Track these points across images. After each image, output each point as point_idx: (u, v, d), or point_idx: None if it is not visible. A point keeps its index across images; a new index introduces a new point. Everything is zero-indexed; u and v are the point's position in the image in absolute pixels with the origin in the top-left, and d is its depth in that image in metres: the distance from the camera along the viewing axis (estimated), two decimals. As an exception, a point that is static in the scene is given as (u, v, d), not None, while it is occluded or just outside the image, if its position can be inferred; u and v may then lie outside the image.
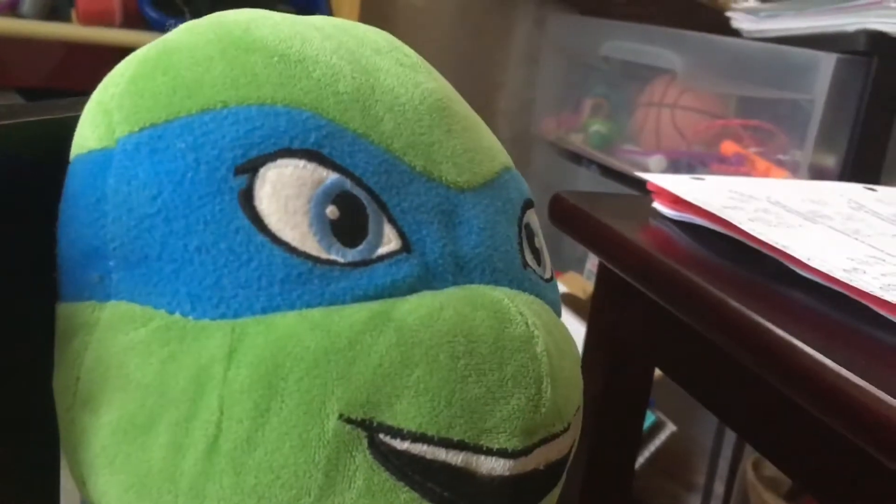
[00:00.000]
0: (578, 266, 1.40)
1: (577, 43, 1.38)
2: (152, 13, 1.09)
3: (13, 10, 1.08)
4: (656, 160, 1.18)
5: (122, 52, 0.31)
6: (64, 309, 0.28)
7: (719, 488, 1.14)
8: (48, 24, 1.08)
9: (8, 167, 0.29)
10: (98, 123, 0.28)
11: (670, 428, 1.14)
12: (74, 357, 0.28)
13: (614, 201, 0.69)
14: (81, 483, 0.28)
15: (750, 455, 1.09)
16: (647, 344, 0.64)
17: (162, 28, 0.31)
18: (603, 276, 0.70)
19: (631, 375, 0.69)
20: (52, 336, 0.29)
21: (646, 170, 1.17)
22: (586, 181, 1.31)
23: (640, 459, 1.13)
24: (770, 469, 1.09)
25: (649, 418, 1.14)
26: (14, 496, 0.32)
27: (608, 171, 1.25)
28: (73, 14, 1.08)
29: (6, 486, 0.31)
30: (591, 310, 0.70)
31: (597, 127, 1.30)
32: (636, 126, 1.26)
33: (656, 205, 0.60)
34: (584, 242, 0.62)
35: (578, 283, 1.30)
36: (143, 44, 0.31)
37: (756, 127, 1.12)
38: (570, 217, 0.63)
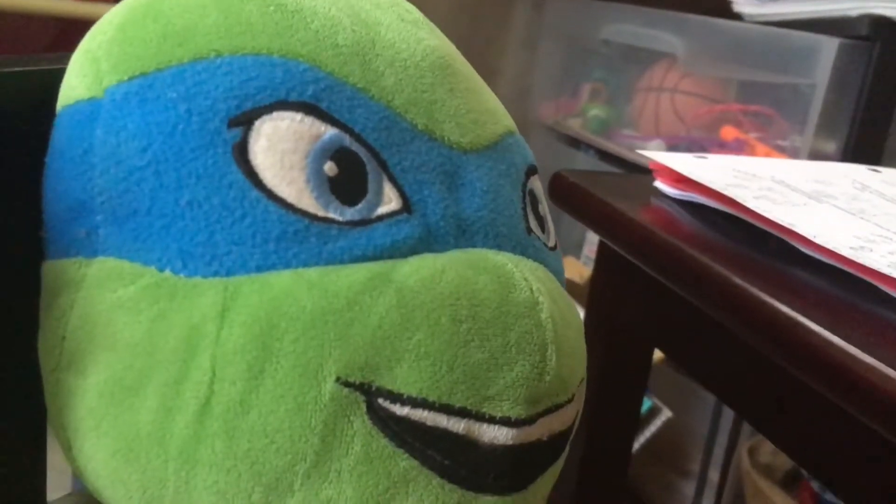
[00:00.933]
0: (575, 251, 1.39)
1: (577, 26, 1.37)
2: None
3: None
4: (655, 145, 1.17)
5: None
6: (49, 267, 0.27)
7: (714, 475, 1.14)
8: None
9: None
10: (86, 72, 0.27)
11: (665, 414, 1.13)
12: (60, 316, 0.26)
13: (615, 180, 0.68)
14: (67, 448, 0.27)
15: (745, 442, 1.09)
16: (647, 325, 0.64)
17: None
18: (602, 256, 0.69)
19: (629, 358, 0.69)
20: (38, 297, 0.28)
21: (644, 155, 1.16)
22: (584, 166, 1.30)
23: (635, 445, 1.13)
24: (765, 456, 1.08)
25: (645, 404, 1.14)
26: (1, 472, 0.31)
27: (606, 156, 1.24)
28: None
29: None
30: (589, 291, 0.70)
31: (595, 112, 1.29)
32: (635, 111, 1.25)
33: (658, 184, 0.59)
34: (584, 221, 0.61)
35: (576, 267, 1.30)
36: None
37: (756, 112, 1.11)
38: (570, 196, 0.62)
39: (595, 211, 0.59)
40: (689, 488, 1.18)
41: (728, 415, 1.10)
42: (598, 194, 0.59)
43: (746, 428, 1.10)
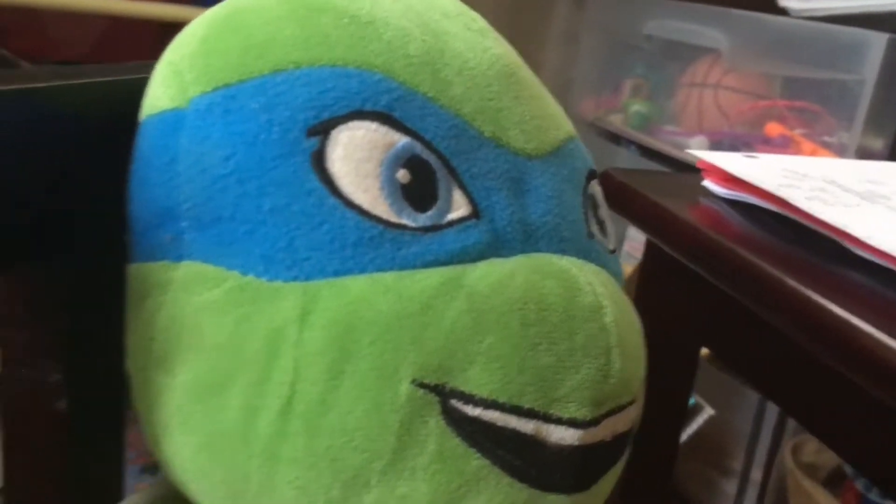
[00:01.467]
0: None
1: (619, 22, 1.36)
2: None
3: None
4: (698, 141, 1.17)
5: (165, 26, 0.31)
6: (136, 270, 0.28)
7: (757, 474, 1.13)
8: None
9: (74, 127, 0.29)
10: (170, 83, 0.28)
11: (708, 412, 1.13)
12: (148, 317, 0.28)
13: (663, 179, 0.68)
14: (154, 443, 0.28)
15: (789, 440, 1.08)
16: (694, 324, 0.64)
17: (205, 3, 0.31)
18: (649, 255, 0.69)
19: (676, 356, 0.68)
20: (120, 297, 0.29)
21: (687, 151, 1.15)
22: (626, 162, 1.30)
23: (677, 443, 1.12)
24: (809, 455, 1.07)
25: (687, 401, 1.13)
26: (85, 461, 0.32)
27: (648, 152, 1.23)
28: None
29: (78, 450, 0.32)
30: (636, 289, 0.69)
31: (637, 107, 1.28)
32: (677, 106, 1.24)
33: (706, 183, 0.59)
34: (632, 220, 0.61)
35: (616, 264, 1.29)
36: (187, 18, 0.30)
37: (802, 108, 1.10)
38: (618, 195, 0.62)
39: (644, 210, 0.59)
40: (731, 487, 1.17)
41: (771, 413, 1.09)
42: (646, 193, 0.59)
43: (790, 426, 1.09)
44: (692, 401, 1.15)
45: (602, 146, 1.32)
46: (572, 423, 0.27)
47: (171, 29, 0.30)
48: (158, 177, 0.27)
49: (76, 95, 0.29)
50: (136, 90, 0.29)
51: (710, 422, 1.13)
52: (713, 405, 1.15)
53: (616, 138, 1.31)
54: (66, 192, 0.29)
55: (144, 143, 0.28)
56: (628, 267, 1.25)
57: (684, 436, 1.13)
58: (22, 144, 0.27)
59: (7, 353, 0.31)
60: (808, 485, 1.01)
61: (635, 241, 1.30)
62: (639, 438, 0.71)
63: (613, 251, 0.34)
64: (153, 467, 0.32)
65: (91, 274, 0.30)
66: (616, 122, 1.32)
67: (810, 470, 1.05)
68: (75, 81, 0.29)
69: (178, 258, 0.27)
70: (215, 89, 0.27)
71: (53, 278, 0.30)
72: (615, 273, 0.33)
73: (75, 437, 0.31)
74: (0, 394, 0.32)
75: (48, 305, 0.31)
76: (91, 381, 0.32)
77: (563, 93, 1.43)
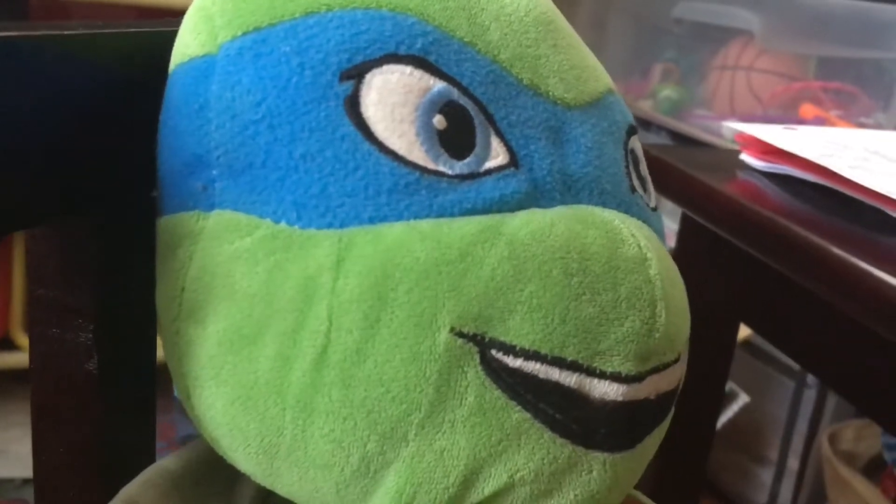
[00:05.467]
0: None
1: (648, 5, 1.34)
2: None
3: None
4: (730, 125, 1.15)
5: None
6: (166, 221, 0.28)
7: (793, 462, 1.11)
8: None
9: (104, 77, 0.28)
10: (200, 30, 0.27)
11: (743, 399, 1.11)
12: (179, 267, 0.27)
13: (699, 154, 0.67)
14: (186, 397, 0.27)
15: (826, 428, 1.06)
16: (732, 301, 0.62)
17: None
18: (685, 233, 0.68)
19: (713, 335, 0.67)
20: (151, 253, 0.29)
21: (718, 136, 1.14)
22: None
23: (710, 431, 1.11)
24: (847, 443, 1.05)
25: (721, 389, 1.11)
26: (116, 422, 0.32)
27: (678, 137, 1.22)
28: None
29: (109, 411, 0.31)
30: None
31: (667, 92, 1.27)
32: (709, 91, 1.22)
33: (744, 156, 0.58)
34: (670, 196, 0.60)
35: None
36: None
37: (837, 89, 1.08)
38: (654, 170, 0.61)
39: (681, 185, 0.58)
40: (766, 475, 1.15)
41: (808, 400, 1.07)
42: (683, 168, 0.58)
43: (827, 414, 1.07)
44: (727, 388, 1.13)
45: (632, 132, 1.31)
46: (616, 378, 0.25)
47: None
48: (189, 125, 0.27)
49: (104, 45, 0.28)
50: (168, 41, 0.29)
51: (745, 409, 1.12)
52: (748, 392, 1.13)
53: (646, 124, 1.29)
54: (97, 145, 0.29)
55: (175, 92, 0.28)
56: (659, 253, 1.23)
57: (719, 424, 1.12)
58: (48, 94, 0.26)
59: (36, 313, 0.31)
60: (847, 473, 0.99)
61: (667, 229, 1.29)
62: (674, 424, 0.70)
63: (655, 208, 0.33)
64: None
65: (122, 230, 0.30)
66: (646, 107, 1.31)
67: (848, 458, 1.03)
68: (103, 31, 0.28)
69: (210, 207, 0.27)
70: (246, 33, 0.26)
71: (83, 235, 0.30)
72: (657, 230, 0.32)
73: (106, 398, 0.31)
74: (30, 354, 0.31)
75: (77, 264, 0.30)
76: (122, 340, 0.31)
77: (591, 79, 1.41)
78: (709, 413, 0.72)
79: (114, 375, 0.31)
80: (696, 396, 0.69)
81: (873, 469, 1.03)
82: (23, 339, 1.03)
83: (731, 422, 1.11)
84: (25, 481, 1.02)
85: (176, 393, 0.27)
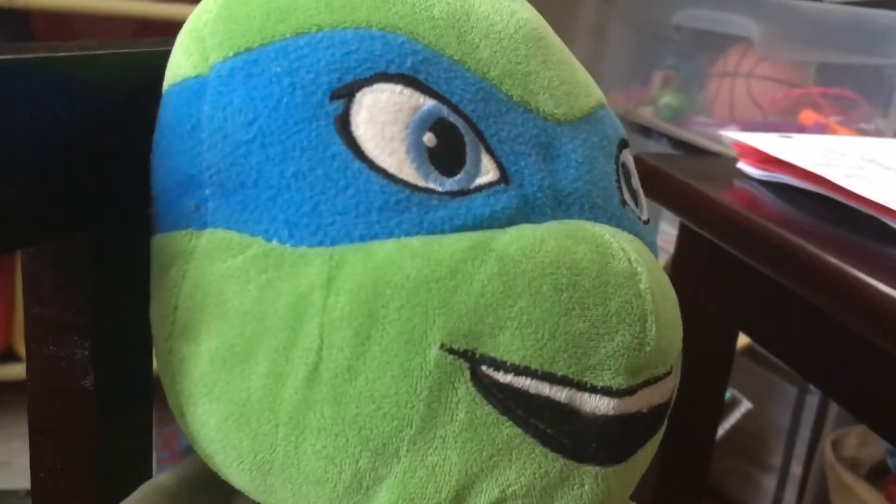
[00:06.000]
0: (648, 242, 1.37)
1: (648, 12, 1.35)
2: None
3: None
4: (726, 134, 1.15)
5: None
6: (160, 240, 0.28)
7: (796, 469, 1.11)
8: (121, 1, 1.09)
9: (98, 98, 0.29)
10: (192, 51, 0.28)
11: (745, 405, 1.11)
12: (172, 286, 0.27)
13: (696, 163, 0.67)
14: (180, 414, 0.27)
15: (829, 434, 1.06)
16: (731, 310, 0.62)
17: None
18: (683, 242, 0.68)
19: (712, 344, 0.67)
20: (146, 271, 0.29)
21: (719, 143, 1.14)
22: (656, 155, 1.28)
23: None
24: (850, 449, 1.05)
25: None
26: (112, 438, 0.32)
27: (679, 144, 1.22)
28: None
29: (105, 427, 0.31)
30: (670, 278, 0.68)
31: (667, 99, 1.27)
32: (709, 97, 1.22)
33: (741, 165, 0.58)
34: (666, 205, 0.60)
35: (648, 258, 1.27)
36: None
37: (837, 95, 1.07)
38: (651, 180, 0.61)
39: (678, 194, 0.58)
40: (769, 482, 1.15)
41: (811, 406, 1.07)
42: (680, 177, 0.58)
43: (830, 420, 1.07)
44: (729, 395, 1.13)
45: (632, 139, 1.30)
46: (607, 392, 0.26)
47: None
48: (181, 145, 0.27)
49: (99, 66, 0.29)
50: (161, 61, 0.29)
51: (747, 416, 1.11)
52: (750, 399, 1.13)
53: (646, 131, 1.29)
54: (91, 165, 0.29)
55: (167, 112, 0.28)
56: (661, 260, 1.23)
57: (722, 430, 1.11)
58: (44, 115, 0.26)
59: (32, 330, 0.31)
60: (850, 479, 0.99)
61: (667, 235, 1.29)
62: (675, 431, 0.70)
63: (647, 221, 0.33)
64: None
65: (117, 248, 0.30)
66: (646, 114, 1.31)
67: (851, 464, 1.03)
68: (99, 52, 0.29)
69: (202, 226, 0.27)
70: (237, 54, 0.27)
71: (79, 253, 0.30)
72: (649, 243, 0.32)
73: (103, 414, 0.31)
74: (27, 371, 0.32)
75: (74, 281, 0.30)
76: (118, 357, 0.31)
77: (591, 87, 1.41)
78: (708, 421, 0.72)
79: (110, 392, 0.31)
80: (696, 405, 0.69)
81: (876, 475, 1.03)
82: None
83: (734, 428, 1.11)
84: (29, 493, 1.02)
85: (171, 410, 0.28)
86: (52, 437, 0.32)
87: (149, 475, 0.34)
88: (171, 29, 0.30)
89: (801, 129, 1.08)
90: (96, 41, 0.30)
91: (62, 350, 0.30)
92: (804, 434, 1.08)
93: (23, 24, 1.12)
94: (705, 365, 0.68)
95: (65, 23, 1.21)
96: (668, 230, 1.28)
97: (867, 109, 1.04)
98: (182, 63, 0.28)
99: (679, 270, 0.68)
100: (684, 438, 0.69)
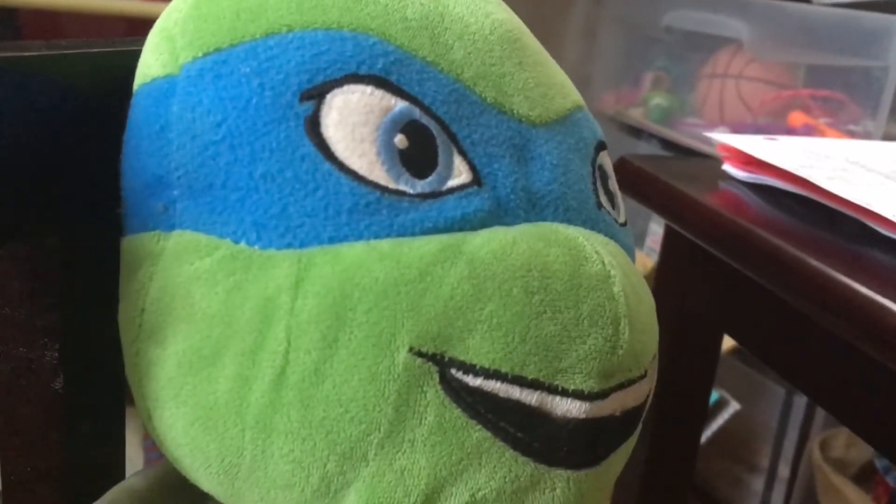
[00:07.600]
0: (638, 242, 1.37)
1: (638, 14, 1.35)
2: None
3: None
4: (720, 133, 1.15)
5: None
6: (128, 241, 0.28)
7: (784, 470, 1.11)
8: (111, 1, 1.09)
9: (67, 99, 0.28)
10: (162, 50, 0.27)
11: (733, 406, 1.11)
12: (139, 288, 0.27)
13: (682, 164, 0.67)
14: (147, 417, 0.27)
15: (817, 435, 1.06)
16: (716, 312, 0.62)
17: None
18: (669, 244, 0.68)
19: (697, 346, 0.67)
20: (115, 273, 0.29)
21: (709, 144, 1.14)
22: (646, 156, 1.28)
23: (702, 439, 1.11)
24: (838, 450, 1.05)
25: (712, 396, 1.11)
26: (83, 441, 0.32)
27: (669, 145, 1.22)
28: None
29: (76, 430, 0.31)
30: (656, 279, 0.68)
31: (658, 100, 1.27)
32: (699, 99, 1.22)
33: (727, 167, 0.58)
34: (652, 206, 0.60)
35: (638, 258, 1.28)
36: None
37: (826, 97, 1.08)
38: (637, 181, 0.61)
39: (662, 196, 0.58)
40: (757, 483, 1.15)
41: (799, 407, 1.07)
42: (665, 179, 0.58)
43: (818, 421, 1.07)
44: (717, 396, 1.13)
45: (622, 140, 1.31)
46: (578, 395, 0.25)
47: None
48: (150, 145, 0.27)
49: (69, 65, 0.28)
50: (132, 61, 0.29)
51: (735, 417, 1.11)
52: (738, 400, 1.13)
53: (637, 132, 1.29)
54: (60, 166, 0.29)
55: (137, 112, 0.28)
56: (650, 261, 1.23)
57: (710, 431, 1.12)
58: (11, 115, 0.26)
59: (2, 331, 0.31)
60: (838, 480, 0.99)
61: (657, 236, 1.29)
62: (660, 432, 0.70)
63: (624, 224, 0.33)
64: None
65: (87, 249, 0.30)
66: (636, 115, 1.31)
67: (839, 465, 1.03)
68: (68, 51, 0.28)
69: (170, 227, 0.27)
70: (206, 54, 0.27)
71: (47, 255, 0.30)
72: (625, 246, 0.32)
73: (73, 417, 0.31)
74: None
75: (42, 283, 0.30)
76: (88, 359, 0.31)
77: (582, 87, 1.41)
78: (694, 422, 0.72)
79: (80, 394, 0.31)
80: (681, 406, 0.69)
81: (864, 476, 1.03)
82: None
83: (722, 429, 1.11)
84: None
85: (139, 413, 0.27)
86: (22, 439, 0.32)
87: (121, 477, 0.33)
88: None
89: (791, 131, 1.08)
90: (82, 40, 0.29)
91: (31, 352, 0.30)
92: (792, 435, 1.08)
93: (9, 25, 1.11)
94: (691, 366, 0.68)
95: (53, 22, 1.21)
96: (660, 231, 1.28)
97: (856, 111, 1.05)
98: (152, 63, 0.28)
99: (664, 272, 0.68)
100: (670, 439, 0.69)
